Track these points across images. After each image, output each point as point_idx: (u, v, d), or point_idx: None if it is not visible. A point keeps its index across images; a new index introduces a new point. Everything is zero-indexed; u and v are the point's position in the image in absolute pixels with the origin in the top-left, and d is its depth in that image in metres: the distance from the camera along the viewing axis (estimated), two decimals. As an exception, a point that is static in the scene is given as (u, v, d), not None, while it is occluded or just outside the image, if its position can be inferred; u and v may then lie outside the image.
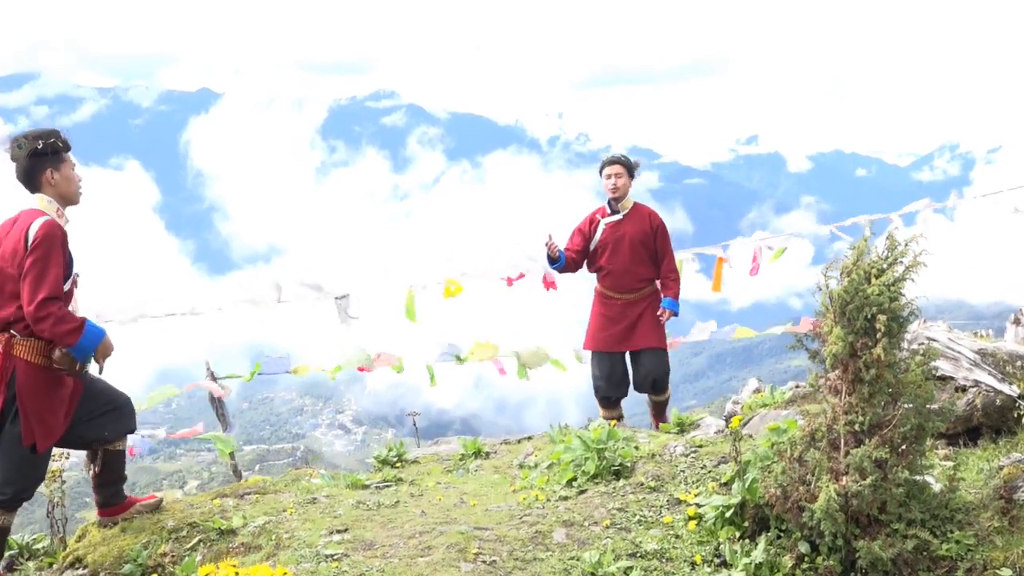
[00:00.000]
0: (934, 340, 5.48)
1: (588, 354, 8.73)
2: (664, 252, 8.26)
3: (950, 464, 4.84)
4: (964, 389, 5.34)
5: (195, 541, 5.18)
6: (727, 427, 6.76)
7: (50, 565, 5.83)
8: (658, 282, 8.27)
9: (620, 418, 8.17)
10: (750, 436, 5.08)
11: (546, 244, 7.98)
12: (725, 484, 4.68)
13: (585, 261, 8.34)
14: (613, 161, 8.15)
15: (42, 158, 5.04)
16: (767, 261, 11.05)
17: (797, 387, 7.19)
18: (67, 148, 5.14)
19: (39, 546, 6.24)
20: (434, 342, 9.87)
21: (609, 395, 8.20)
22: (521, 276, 9.32)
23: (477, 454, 6.89)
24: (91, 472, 5.53)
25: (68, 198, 5.16)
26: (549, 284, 9.53)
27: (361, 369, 9.55)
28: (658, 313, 8.06)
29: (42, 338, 4.89)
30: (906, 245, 4.25)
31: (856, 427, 4.19)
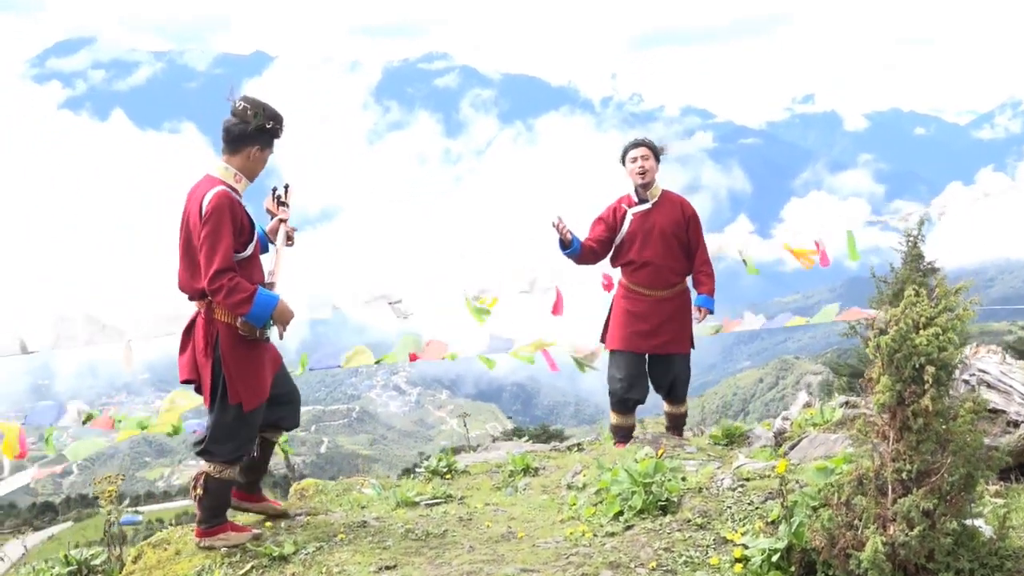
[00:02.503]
0: (985, 372, 5.43)
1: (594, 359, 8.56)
2: (697, 243, 7.67)
3: (1001, 502, 4.80)
4: (1017, 424, 5.28)
5: (248, 567, 5.23)
6: (775, 445, 6.75)
7: (107, 585, 5.96)
8: (688, 278, 7.76)
9: (633, 426, 7.79)
10: (795, 478, 5.04)
11: (554, 225, 7.38)
12: (772, 523, 4.67)
13: (609, 255, 7.74)
14: (638, 144, 7.53)
15: (262, 135, 5.30)
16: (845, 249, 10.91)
17: (847, 403, 7.14)
18: (279, 137, 5.39)
19: (96, 562, 6.38)
20: (485, 332, 9.87)
21: (629, 398, 7.62)
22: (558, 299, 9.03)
23: (526, 471, 6.93)
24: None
25: (251, 175, 5.39)
26: (557, 309, 9.07)
27: (412, 358, 9.54)
28: (694, 315, 7.59)
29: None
30: (956, 292, 4.20)
31: (904, 475, 4.16)
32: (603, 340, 8.00)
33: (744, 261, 9.57)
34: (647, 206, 7.55)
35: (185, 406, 7.94)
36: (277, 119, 5.29)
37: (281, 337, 5.29)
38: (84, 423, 7.48)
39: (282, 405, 5.58)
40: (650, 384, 7.73)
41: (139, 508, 62.71)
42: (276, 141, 5.38)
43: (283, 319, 5.19)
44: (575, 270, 8.39)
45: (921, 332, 4.15)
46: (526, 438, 10.22)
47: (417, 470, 7.75)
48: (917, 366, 4.13)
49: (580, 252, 7.50)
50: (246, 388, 5.23)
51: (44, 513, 62.56)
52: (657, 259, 7.49)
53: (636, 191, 7.58)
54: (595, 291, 9.62)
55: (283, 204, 5.71)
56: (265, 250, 5.60)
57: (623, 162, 7.59)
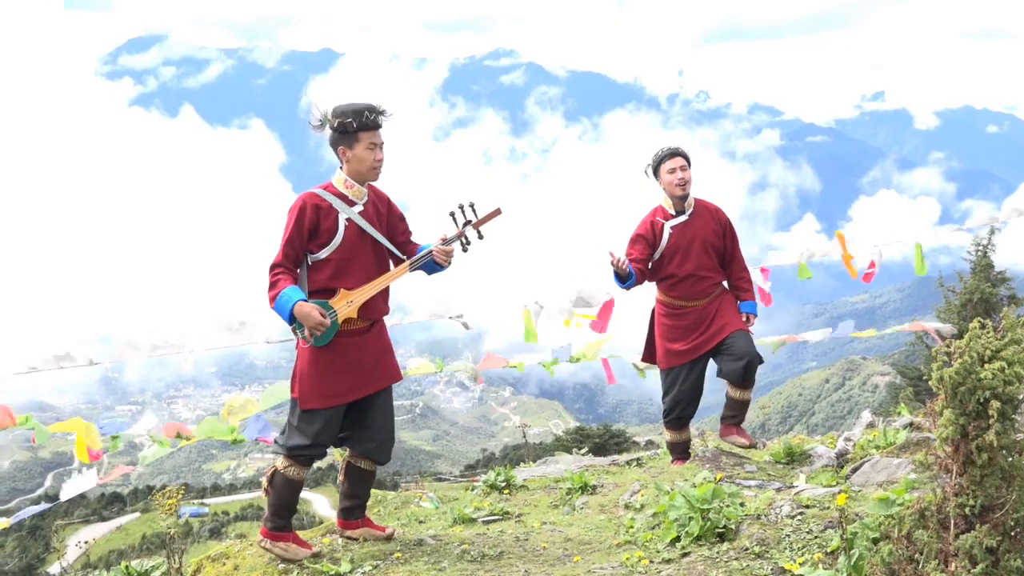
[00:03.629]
0: (1053, 401, 5.31)
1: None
2: (733, 251, 7.46)
3: (1068, 536, 4.69)
4: (1085, 455, 5.15)
5: (304, 585, 5.27)
6: (837, 467, 6.66)
7: (167, 596, 6.02)
8: (724, 282, 7.50)
9: (689, 441, 7.65)
10: (855, 508, 4.96)
11: (612, 263, 7.04)
12: (831, 554, 4.60)
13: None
14: (675, 153, 7.18)
15: (337, 135, 5.30)
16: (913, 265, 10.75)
17: (911, 425, 7.03)
18: (366, 127, 5.27)
19: (156, 574, 6.45)
20: (545, 341, 9.85)
21: (685, 415, 7.48)
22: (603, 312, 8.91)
23: (583, 488, 6.91)
24: (339, 479, 5.84)
25: (360, 176, 5.39)
26: (600, 327, 9.01)
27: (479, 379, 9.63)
28: (743, 320, 7.34)
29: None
30: (1023, 324, 4.10)
31: (967, 510, 4.08)
32: (645, 359, 7.85)
33: (800, 267, 9.44)
34: (684, 218, 7.28)
35: (242, 414, 8.03)
36: (344, 113, 5.23)
37: (308, 342, 5.25)
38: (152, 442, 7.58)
39: (359, 428, 5.57)
40: (721, 374, 7.44)
41: (205, 500, 63.68)
42: (371, 132, 5.28)
43: (306, 322, 5.15)
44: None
45: (986, 366, 4.06)
46: (585, 450, 10.20)
47: (475, 485, 7.73)
48: (981, 400, 4.05)
49: (636, 279, 7.22)
50: (304, 385, 5.33)
51: (113, 504, 63.62)
52: (697, 271, 7.27)
53: (672, 202, 7.29)
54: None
55: (468, 223, 5.56)
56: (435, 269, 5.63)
57: (655, 172, 7.29)
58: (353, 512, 5.81)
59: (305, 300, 5.16)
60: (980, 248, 13.65)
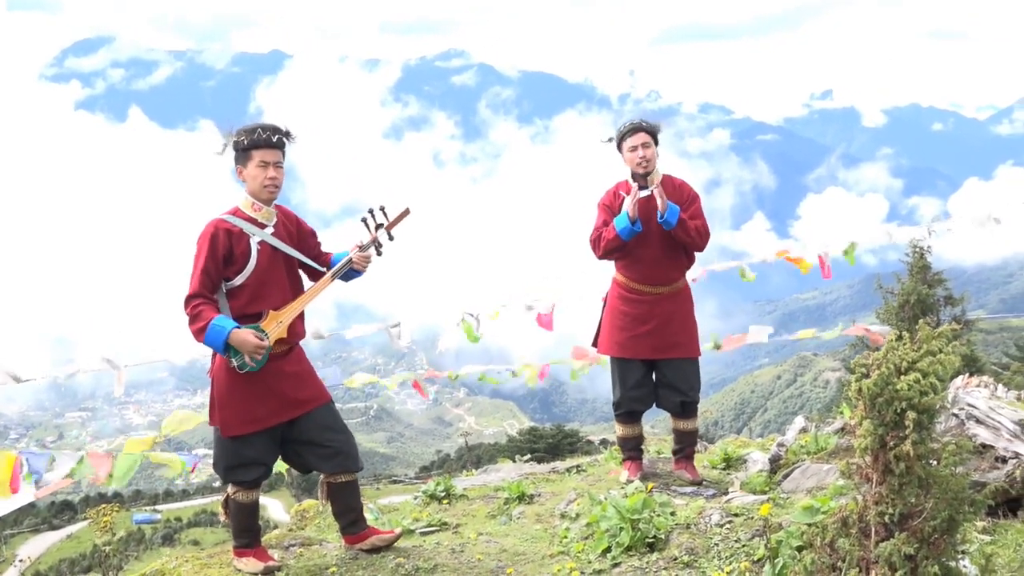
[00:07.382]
0: (974, 407, 5.41)
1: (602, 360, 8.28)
2: (695, 218, 6.79)
3: (987, 539, 4.79)
4: (1004, 460, 5.26)
5: (239, 601, 5.27)
6: (771, 472, 6.73)
7: (103, 613, 5.98)
8: (690, 277, 7.15)
9: (641, 437, 7.24)
10: (781, 516, 5.04)
11: (634, 200, 6.53)
12: (757, 562, 4.67)
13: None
14: (636, 129, 6.65)
15: (237, 154, 5.26)
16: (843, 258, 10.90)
17: (843, 429, 7.12)
18: (256, 145, 5.20)
19: (94, 591, 6.42)
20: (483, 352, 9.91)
21: (635, 409, 7.03)
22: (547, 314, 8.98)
23: (521, 498, 6.94)
24: (322, 502, 6.01)
25: (258, 196, 5.32)
26: (544, 323, 9.03)
27: (415, 385, 9.73)
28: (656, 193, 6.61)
29: None
30: (939, 336, 4.18)
31: (886, 518, 4.16)
32: (595, 344, 7.32)
33: (741, 273, 9.54)
34: (647, 193, 6.69)
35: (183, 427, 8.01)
36: (239, 131, 5.21)
37: (242, 369, 5.16)
38: (79, 464, 7.52)
39: (314, 448, 5.51)
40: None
41: (157, 507, 63.17)
42: (264, 150, 5.21)
43: (243, 348, 5.09)
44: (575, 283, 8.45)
45: (903, 377, 4.14)
46: (527, 457, 10.23)
47: (416, 497, 7.75)
48: (898, 411, 4.12)
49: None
50: (224, 413, 5.28)
51: (63, 512, 62.92)
52: (658, 252, 6.77)
53: (634, 177, 6.73)
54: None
55: (379, 226, 5.56)
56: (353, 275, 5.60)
57: (619, 147, 6.78)
58: (356, 525, 5.76)
59: (238, 327, 5.10)
60: (917, 249, 13.84)
